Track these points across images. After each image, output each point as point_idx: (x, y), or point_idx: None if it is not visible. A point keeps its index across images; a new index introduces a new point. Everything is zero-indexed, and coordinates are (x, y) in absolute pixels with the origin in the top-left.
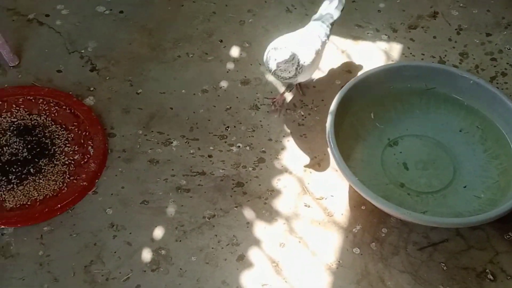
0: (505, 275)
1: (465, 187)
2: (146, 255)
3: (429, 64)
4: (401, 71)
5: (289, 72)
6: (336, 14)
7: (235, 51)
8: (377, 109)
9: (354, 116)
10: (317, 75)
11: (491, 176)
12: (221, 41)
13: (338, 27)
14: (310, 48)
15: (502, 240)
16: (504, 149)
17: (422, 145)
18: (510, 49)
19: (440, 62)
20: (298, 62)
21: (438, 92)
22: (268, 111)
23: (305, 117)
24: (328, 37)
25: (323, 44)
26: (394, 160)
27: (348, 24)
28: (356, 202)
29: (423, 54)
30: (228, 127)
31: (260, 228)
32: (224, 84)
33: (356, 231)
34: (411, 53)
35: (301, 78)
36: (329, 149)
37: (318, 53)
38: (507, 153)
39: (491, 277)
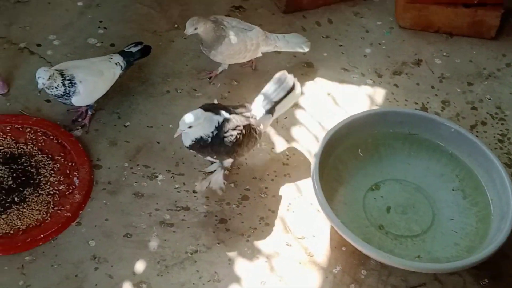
0: None
1: (443, 233)
2: None
3: (412, 111)
4: (385, 116)
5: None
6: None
7: (223, 89)
8: (361, 152)
9: (338, 158)
10: (302, 116)
11: (470, 223)
12: (210, 77)
13: (325, 70)
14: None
15: (477, 286)
16: (482, 197)
17: (402, 190)
18: (490, 99)
19: (423, 109)
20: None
21: (420, 138)
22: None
23: (290, 157)
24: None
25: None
26: (375, 204)
27: (334, 68)
28: (337, 243)
29: (407, 100)
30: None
31: (241, 265)
32: None
33: (336, 272)
34: (394, 99)
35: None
36: (313, 191)
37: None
38: (485, 201)
39: None
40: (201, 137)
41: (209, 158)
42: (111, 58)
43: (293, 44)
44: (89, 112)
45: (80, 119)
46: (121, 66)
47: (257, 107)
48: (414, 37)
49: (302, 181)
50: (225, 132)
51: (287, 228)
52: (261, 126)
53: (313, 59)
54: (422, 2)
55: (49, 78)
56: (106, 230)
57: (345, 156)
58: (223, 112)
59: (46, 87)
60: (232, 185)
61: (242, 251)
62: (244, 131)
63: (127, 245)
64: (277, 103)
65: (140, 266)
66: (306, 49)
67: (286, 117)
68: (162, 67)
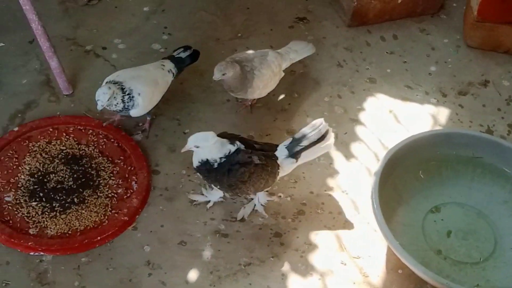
0: None
1: (505, 262)
2: None
3: (478, 134)
4: (449, 137)
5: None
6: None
7: (284, 101)
8: (422, 173)
9: (398, 178)
10: (362, 132)
11: None
12: None
13: (388, 86)
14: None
15: None
16: None
17: (464, 214)
18: None
19: (488, 132)
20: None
21: (485, 162)
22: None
23: (348, 174)
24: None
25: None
26: (435, 227)
27: (398, 85)
28: (394, 265)
29: (471, 122)
30: None
31: (294, 281)
32: (270, 132)
33: None
34: (459, 120)
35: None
36: (371, 210)
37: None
38: None
39: None
40: (207, 159)
41: (213, 186)
42: (163, 65)
43: (301, 51)
44: (148, 118)
45: (140, 123)
46: (173, 74)
47: (283, 149)
48: (481, 57)
49: (360, 199)
50: (233, 164)
51: (342, 246)
52: (281, 169)
53: (376, 75)
54: (492, 21)
55: (108, 99)
56: (162, 236)
57: (406, 176)
58: (238, 143)
59: (106, 106)
60: (289, 198)
61: (295, 267)
62: (252, 170)
63: (181, 253)
64: (304, 149)
65: (193, 275)
66: (313, 51)
67: (346, 133)
68: None
